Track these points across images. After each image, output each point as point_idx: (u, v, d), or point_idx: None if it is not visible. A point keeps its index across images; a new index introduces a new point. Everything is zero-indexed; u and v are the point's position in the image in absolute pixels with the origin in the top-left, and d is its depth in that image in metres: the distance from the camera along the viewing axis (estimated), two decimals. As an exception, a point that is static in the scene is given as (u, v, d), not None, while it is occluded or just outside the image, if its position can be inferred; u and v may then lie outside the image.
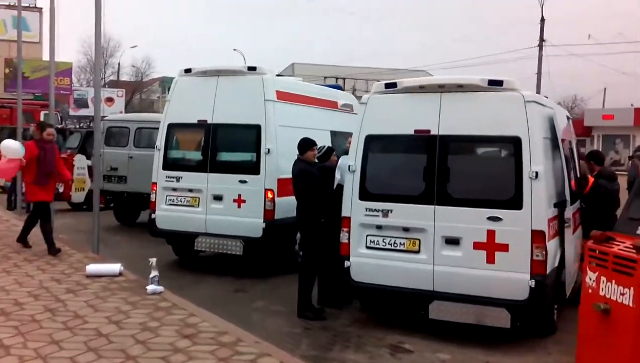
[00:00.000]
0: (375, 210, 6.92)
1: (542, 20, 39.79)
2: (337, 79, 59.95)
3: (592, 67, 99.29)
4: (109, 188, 13.83)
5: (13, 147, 9.28)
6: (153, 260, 6.96)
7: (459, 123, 6.66)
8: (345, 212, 7.12)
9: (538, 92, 39.54)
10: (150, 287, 6.80)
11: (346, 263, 7.05)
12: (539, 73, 39.32)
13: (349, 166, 7.11)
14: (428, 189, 6.67)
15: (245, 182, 9.28)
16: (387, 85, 7.07)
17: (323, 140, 10.75)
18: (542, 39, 39.78)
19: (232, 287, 8.84)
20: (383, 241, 6.90)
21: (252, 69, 9.53)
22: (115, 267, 7.52)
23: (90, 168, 16.47)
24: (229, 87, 9.61)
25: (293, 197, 9.59)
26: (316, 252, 7.52)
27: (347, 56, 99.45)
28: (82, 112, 53.65)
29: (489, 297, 6.37)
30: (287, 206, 9.43)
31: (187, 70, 10.02)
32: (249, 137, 9.53)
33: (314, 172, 7.61)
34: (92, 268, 7.40)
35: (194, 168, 9.79)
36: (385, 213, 6.87)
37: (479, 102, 6.63)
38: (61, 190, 16.02)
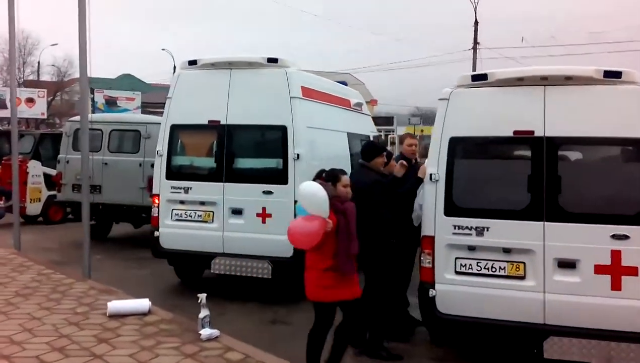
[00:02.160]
0: (467, 227, 5.76)
1: (476, 22, 39.89)
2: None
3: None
4: (79, 199, 12.04)
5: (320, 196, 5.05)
6: (202, 297, 5.57)
7: (569, 122, 5.58)
8: (427, 231, 5.95)
9: None
10: (205, 332, 5.42)
11: (431, 292, 5.87)
12: None
13: (430, 175, 5.93)
14: (534, 202, 5.57)
15: (270, 192, 7.96)
16: (475, 77, 5.92)
17: (341, 143, 9.64)
18: (476, 41, 39.90)
19: (266, 317, 7.51)
20: (477, 265, 5.76)
21: (273, 60, 8.19)
22: (144, 304, 6.07)
23: (47, 176, 14.69)
24: (245, 82, 8.26)
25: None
26: (387, 280, 6.33)
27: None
28: (1, 113, 50.77)
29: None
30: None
31: (192, 62, 8.58)
32: (273, 140, 8.23)
33: (389, 183, 6.39)
34: (116, 306, 5.93)
35: (205, 177, 8.38)
36: (480, 231, 5.73)
37: (592, 98, 5.58)
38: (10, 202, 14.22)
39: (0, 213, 14.18)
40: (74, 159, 12.13)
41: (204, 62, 8.51)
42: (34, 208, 14.56)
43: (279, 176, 7.96)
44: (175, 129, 8.56)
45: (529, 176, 5.61)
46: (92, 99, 67.77)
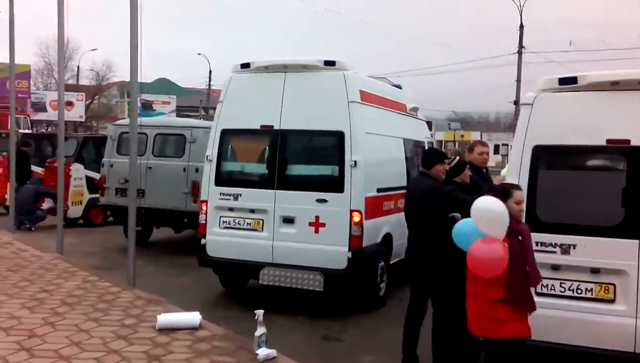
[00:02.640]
0: (550, 244, 5.27)
1: (521, 26, 39.15)
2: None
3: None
4: (123, 204, 11.81)
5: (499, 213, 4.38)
6: (260, 314, 5.15)
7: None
8: (505, 246, 5.45)
9: (517, 99, 39.11)
10: (262, 352, 4.99)
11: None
12: (519, 80, 38.54)
13: (509, 186, 5.43)
14: (629, 218, 5.05)
15: (324, 201, 7.54)
16: (563, 81, 5.42)
17: (398, 150, 9.19)
18: (521, 46, 39.14)
19: (317, 332, 7.07)
20: (561, 286, 5.26)
21: (330, 63, 7.79)
22: (195, 318, 5.68)
23: (89, 179, 14.51)
24: (300, 86, 7.87)
25: (379, 220, 8.02)
26: (449, 297, 5.85)
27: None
28: (40, 116, 51.69)
29: None
30: (373, 231, 7.79)
31: (245, 65, 8.23)
32: (329, 146, 7.84)
33: (452, 192, 5.91)
34: (166, 320, 5.55)
35: (256, 183, 8.00)
36: (565, 249, 5.22)
37: None
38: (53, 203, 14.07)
39: (42, 216, 14.07)
40: (118, 162, 11.90)
41: (257, 65, 8.15)
42: (75, 211, 14.37)
43: (335, 184, 7.54)
44: (226, 134, 8.20)
45: (623, 189, 5.09)
46: (129, 103, 69.30)
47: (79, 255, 10.84)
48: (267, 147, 8.02)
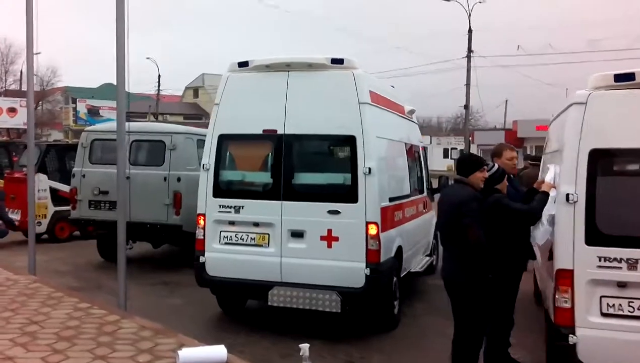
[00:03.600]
0: (615, 259, 4.81)
1: (470, 31, 39.38)
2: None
3: (518, 78, 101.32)
4: (97, 217, 10.97)
5: None
6: (305, 348, 4.52)
7: None
8: (562, 263, 4.96)
9: (467, 103, 39.25)
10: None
11: (571, 338, 4.88)
12: (468, 84, 38.77)
13: (567, 195, 4.95)
14: None
15: (337, 212, 6.94)
16: (620, 77, 4.97)
17: (403, 156, 8.69)
18: (470, 50, 39.34)
19: (338, 359, 6.47)
20: (629, 305, 4.81)
21: (337, 61, 7.19)
22: (220, 353, 4.98)
23: (53, 190, 13.53)
24: (306, 86, 7.26)
25: (393, 232, 7.49)
26: (485, 321, 5.38)
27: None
28: None
29: None
30: (389, 244, 7.25)
31: (243, 64, 7.56)
32: (339, 152, 7.29)
33: (500, 201, 5.42)
34: (188, 356, 4.84)
35: (260, 194, 7.35)
36: (632, 264, 4.77)
37: None
38: (17, 217, 13.08)
39: (3, 232, 13.02)
40: (90, 172, 11.02)
41: (256, 63, 7.50)
42: (39, 226, 13.36)
43: (348, 193, 6.95)
44: (224, 140, 7.52)
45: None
46: (74, 109, 66.98)
47: (50, 274, 9.97)
48: (270, 154, 7.39)
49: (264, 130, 7.31)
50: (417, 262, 9.09)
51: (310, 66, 7.30)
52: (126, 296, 7.28)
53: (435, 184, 10.64)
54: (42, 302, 6.88)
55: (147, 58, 62.34)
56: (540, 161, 9.06)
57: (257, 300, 7.61)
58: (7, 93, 60.25)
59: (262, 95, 7.42)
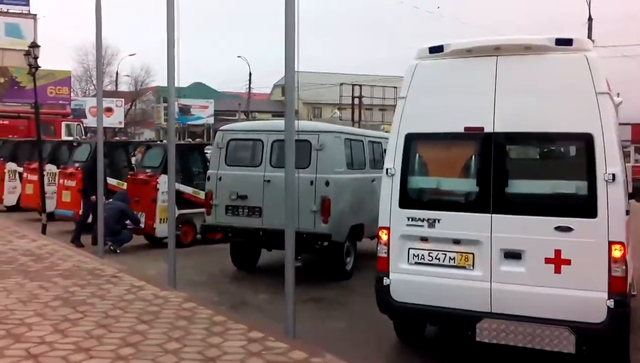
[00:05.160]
0: None
1: (590, 19, 36.93)
2: (353, 85, 57.23)
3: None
4: (235, 224, 9.95)
5: None
6: None
7: None
8: None
9: None
10: None
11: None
12: None
13: None
14: None
15: (568, 229, 5.54)
16: None
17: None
18: (590, 39, 36.78)
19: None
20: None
21: (564, 42, 5.79)
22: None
23: (178, 193, 12.68)
24: (522, 73, 5.90)
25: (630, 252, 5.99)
26: None
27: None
28: (90, 122, 51.12)
29: None
30: (629, 269, 5.76)
31: (436, 49, 6.27)
32: (570, 154, 5.92)
33: None
34: None
35: (462, 205, 6.05)
36: None
37: None
38: (141, 220, 12.31)
39: (128, 236, 12.34)
40: (227, 175, 10.02)
41: (454, 47, 6.20)
42: (163, 229, 12.53)
43: (583, 206, 5.54)
44: (413, 140, 6.25)
45: None
46: (166, 108, 68.13)
47: (187, 286, 9.03)
48: (475, 157, 6.07)
49: (466, 128, 6.01)
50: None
51: (527, 49, 5.93)
52: (295, 320, 6.20)
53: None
54: (206, 329, 5.83)
55: (239, 56, 62.63)
56: None
57: (459, 333, 6.30)
58: (104, 94, 61.94)
59: (462, 85, 6.13)
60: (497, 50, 6.01)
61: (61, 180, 14.58)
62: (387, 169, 6.30)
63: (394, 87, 66.69)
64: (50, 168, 15.32)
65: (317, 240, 9.41)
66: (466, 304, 5.86)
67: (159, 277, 9.14)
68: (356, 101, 57.25)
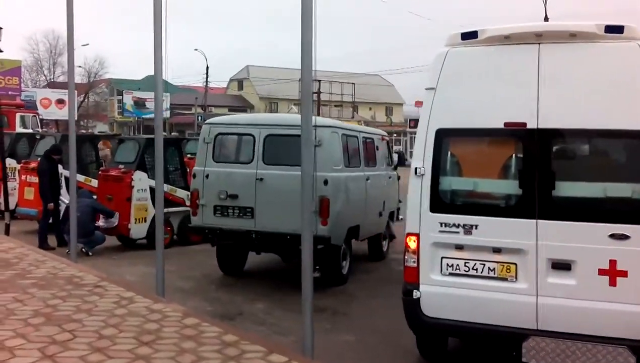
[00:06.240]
0: None
1: (546, 19, 37.19)
2: (317, 80, 56.72)
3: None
4: (224, 226, 9.17)
5: None
6: None
7: None
8: None
9: None
10: None
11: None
12: None
13: None
14: None
15: (625, 237, 5.02)
16: None
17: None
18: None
19: None
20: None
21: (614, 29, 5.25)
22: None
23: (152, 190, 11.83)
24: (567, 63, 5.34)
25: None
26: None
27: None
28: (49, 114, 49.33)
29: None
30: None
31: (469, 35, 5.67)
32: (627, 154, 5.34)
33: None
34: None
35: (502, 210, 5.47)
36: None
37: None
38: (115, 221, 11.42)
39: (102, 238, 11.43)
40: (215, 172, 9.22)
41: (490, 33, 5.60)
42: (138, 230, 11.72)
43: (641, 212, 5.02)
44: (445, 136, 5.64)
45: None
46: (120, 101, 66.17)
47: (175, 294, 8.31)
48: (515, 156, 5.51)
49: (505, 124, 5.42)
50: None
51: (573, 36, 5.37)
52: (313, 338, 5.53)
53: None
54: (219, 352, 5.08)
55: (195, 50, 61.16)
56: None
57: (503, 352, 5.69)
58: (56, 85, 59.92)
59: (500, 76, 5.54)
60: (538, 37, 5.44)
61: (23, 176, 13.53)
62: (415, 169, 5.67)
63: (352, 83, 66.70)
64: (9, 163, 14.21)
65: (315, 243, 8.70)
66: (509, 320, 5.29)
67: (143, 284, 8.36)
68: (314, 97, 56.80)
